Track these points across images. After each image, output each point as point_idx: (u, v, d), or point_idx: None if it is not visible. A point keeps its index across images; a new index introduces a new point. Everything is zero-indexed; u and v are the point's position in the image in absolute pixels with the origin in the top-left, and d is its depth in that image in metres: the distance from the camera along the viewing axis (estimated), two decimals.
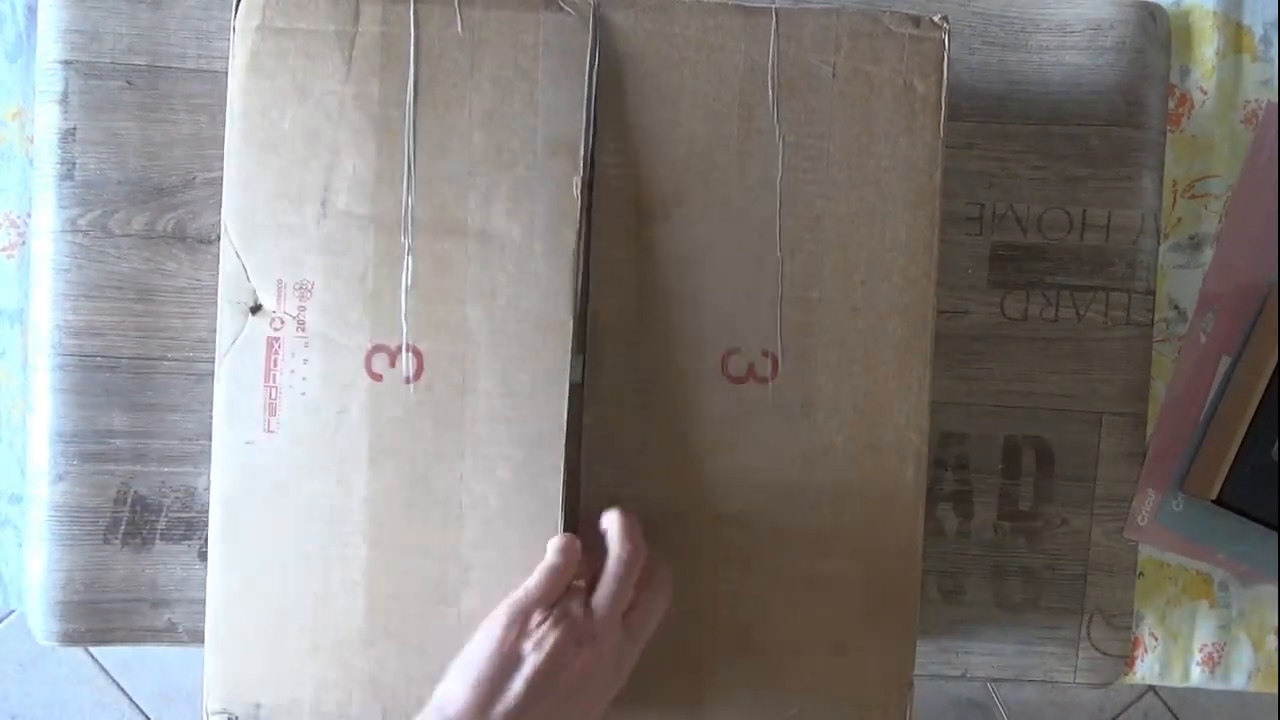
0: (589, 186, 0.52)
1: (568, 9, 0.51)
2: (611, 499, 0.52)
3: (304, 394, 0.51)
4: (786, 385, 0.53)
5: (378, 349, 0.51)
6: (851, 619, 0.54)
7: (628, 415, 0.52)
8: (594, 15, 0.51)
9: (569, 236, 0.51)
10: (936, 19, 0.53)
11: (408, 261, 0.51)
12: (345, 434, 0.51)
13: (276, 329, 0.51)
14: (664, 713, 0.53)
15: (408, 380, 0.51)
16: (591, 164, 0.52)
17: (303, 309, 0.51)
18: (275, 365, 0.51)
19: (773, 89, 0.52)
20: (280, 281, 0.51)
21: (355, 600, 0.51)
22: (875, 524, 0.54)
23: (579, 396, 0.52)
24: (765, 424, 0.53)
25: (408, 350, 0.51)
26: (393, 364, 0.51)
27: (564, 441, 0.51)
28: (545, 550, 0.50)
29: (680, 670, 0.53)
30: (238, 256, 0.51)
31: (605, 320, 0.52)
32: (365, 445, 0.51)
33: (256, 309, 0.51)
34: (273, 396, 0.51)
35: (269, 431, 0.51)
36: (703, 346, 0.52)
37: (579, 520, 0.52)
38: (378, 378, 0.51)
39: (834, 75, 0.52)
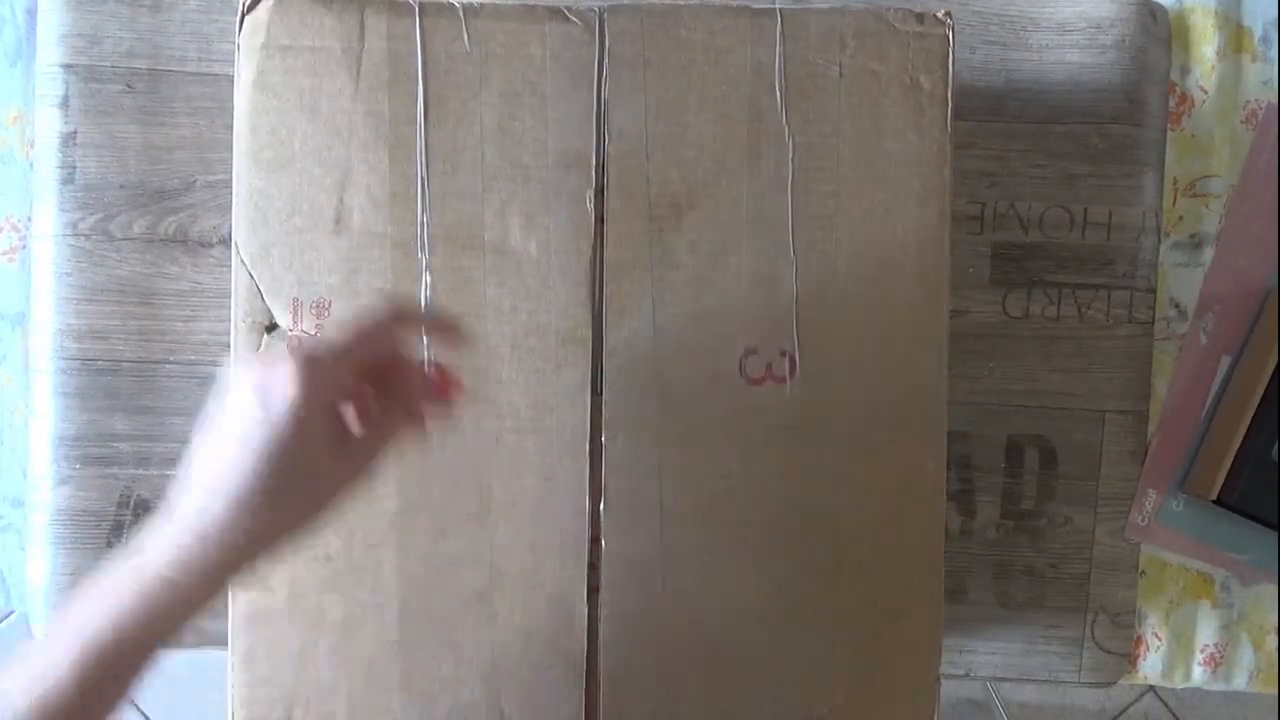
0: (601, 193, 0.52)
1: (573, 19, 0.51)
2: (634, 501, 0.52)
3: None
4: (805, 384, 0.53)
5: None
6: (879, 613, 0.54)
7: (647, 419, 0.52)
8: (599, 23, 0.51)
9: (584, 251, 0.51)
10: (940, 14, 0.53)
11: (426, 279, 0.51)
12: None
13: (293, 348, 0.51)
14: (696, 713, 0.53)
15: None
16: (604, 169, 0.52)
17: (320, 327, 0.51)
18: None
19: (780, 90, 0.52)
20: (296, 300, 0.51)
21: (388, 611, 0.51)
22: (899, 517, 0.54)
23: (597, 401, 0.52)
24: (786, 423, 0.52)
25: (430, 365, 0.51)
26: None
27: (589, 447, 0.51)
28: (573, 551, 0.51)
29: (709, 670, 0.53)
30: (251, 277, 0.51)
31: (621, 324, 0.52)
32: (391, 459, 0.51)
33: (271, 328, 0.51)
34: None
35: None
36: (720, 348, 0.52)
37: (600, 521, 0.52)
38: None
39: (841, 74, 0.52)
